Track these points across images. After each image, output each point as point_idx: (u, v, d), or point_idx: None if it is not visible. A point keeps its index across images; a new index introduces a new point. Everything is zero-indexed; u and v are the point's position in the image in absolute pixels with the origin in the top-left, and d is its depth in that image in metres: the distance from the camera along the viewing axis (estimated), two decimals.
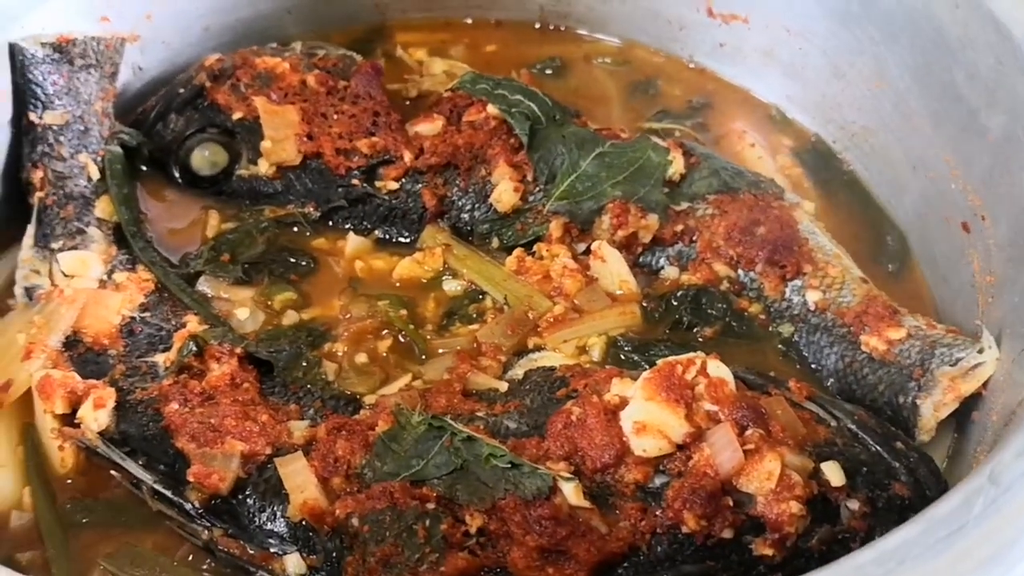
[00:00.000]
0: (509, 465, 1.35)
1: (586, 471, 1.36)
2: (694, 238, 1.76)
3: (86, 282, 1.68)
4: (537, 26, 2.30)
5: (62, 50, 1.81)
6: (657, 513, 1.32)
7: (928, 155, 1.80)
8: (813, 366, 1.67)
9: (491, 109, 1.84)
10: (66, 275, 1.68)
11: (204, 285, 1.75)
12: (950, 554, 0.96)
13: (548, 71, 2.21)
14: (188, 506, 1.43)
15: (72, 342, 1.60)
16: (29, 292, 1.67)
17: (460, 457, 1.37)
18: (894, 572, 0.95)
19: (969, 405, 1.52)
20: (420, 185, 1.83)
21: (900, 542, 0.99)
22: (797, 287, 1.70)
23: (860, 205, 1.97)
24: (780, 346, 1.69)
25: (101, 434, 1.49)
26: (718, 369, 1.41)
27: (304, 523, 1.38)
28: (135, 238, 1.77)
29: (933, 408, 1.52)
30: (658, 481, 1.35)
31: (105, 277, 1.70)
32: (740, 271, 1.73)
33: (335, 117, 1.86)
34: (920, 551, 0.97)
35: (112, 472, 1.50)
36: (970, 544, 0.98)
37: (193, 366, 1.56)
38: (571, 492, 1.32)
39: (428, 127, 1.86)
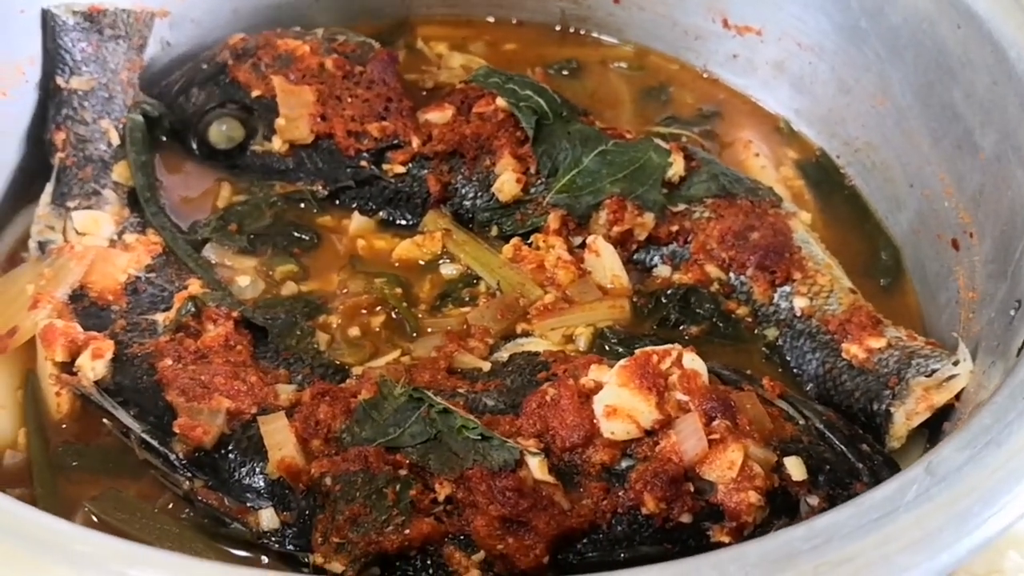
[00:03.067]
0: (480, 437, 1.38)
1: (555, 449, 1.39)
2: (688, 239, 1.78)
3: (97, 240, 1.74)
4: (557, 28, 2.34)
5: (93, 19, 1.88)
6: (619, 494, 1.35)
7: (925, 172, 1.82)
8: (795, 370, 1.69)
9: (500, 102, 1.88)
10: (78, 232, 1.74)
11: (210, 252, 1.80)
12: (877, 535, 0.99)
13: (564, 72, 2.24)
14: (172, 457, 1.48)
15: (78, 295, 1.65)
16: (42, 246, 1.74)
17: (435, 427, 1.41)
18: (820, 548, 0.98)
19: (942, 416, 1.53)
20: (426, 171, 1.88)
21: (830, 521, 1.02)
22: (785, 293, 1.72)
23: (859, 220, 1.99)
24: (764, 349, 1.72)
25: (97, 383, 1.54)
26: (693, 361, 1.44)
27: (281, 480, 1.42)
28: (148, 203, 1.83)
29: (905, 416, 1.53)
30: (624, 464, 1.37)
31: (115, 237, 1.76)
32: (731, 274, 1.75)
33: (349, 100, 1.91)
34: (848, 531, 1.00)
35: (104, 420, 1.55)
36: (898, 528, 1.00)
37: (190, 326, 1.60)
38: (536, 466, 1.35)
39: (438, 115, 1.91)
